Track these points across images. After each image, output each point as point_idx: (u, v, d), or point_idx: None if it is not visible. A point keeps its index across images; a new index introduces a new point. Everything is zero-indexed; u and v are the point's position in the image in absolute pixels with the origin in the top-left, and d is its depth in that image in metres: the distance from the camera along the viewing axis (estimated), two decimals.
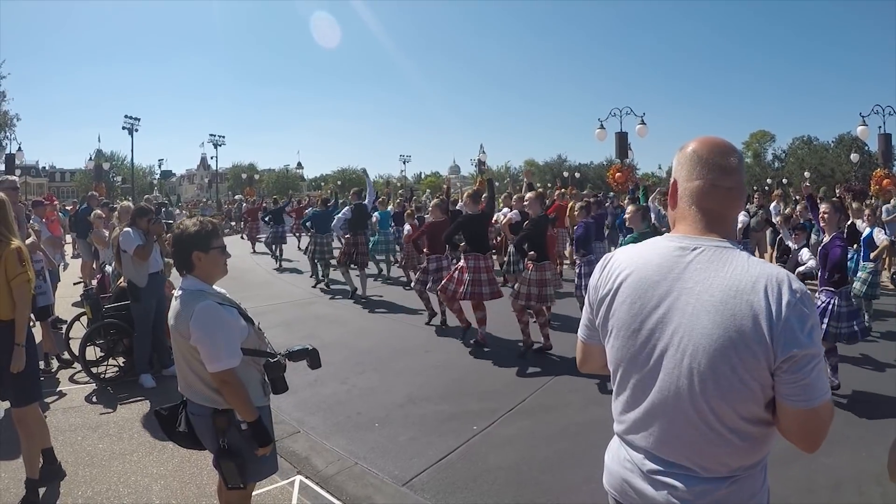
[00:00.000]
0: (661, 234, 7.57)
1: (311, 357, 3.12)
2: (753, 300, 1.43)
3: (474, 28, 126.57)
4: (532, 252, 7.29)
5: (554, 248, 10.29)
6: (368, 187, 12.08)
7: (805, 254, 7.24)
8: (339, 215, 11.47)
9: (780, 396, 1.46)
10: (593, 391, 5.93)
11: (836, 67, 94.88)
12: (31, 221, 8.02)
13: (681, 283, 1.54)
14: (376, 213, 13.57)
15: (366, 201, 11.70)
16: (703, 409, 1.48)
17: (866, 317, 8.08)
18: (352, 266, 11.37)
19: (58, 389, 6.20)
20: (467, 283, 7.69)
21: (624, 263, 1.68)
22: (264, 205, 25.25)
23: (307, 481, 4.32)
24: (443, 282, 8.02)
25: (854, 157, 39.56)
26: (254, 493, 3.39)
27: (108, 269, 7.78)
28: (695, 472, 1.53)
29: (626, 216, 7.25)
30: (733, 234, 1.63)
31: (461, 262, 7.92)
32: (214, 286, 2.96)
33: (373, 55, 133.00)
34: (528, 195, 7.99)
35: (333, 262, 12.20)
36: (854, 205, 10.21)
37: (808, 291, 1.47)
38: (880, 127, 23.92)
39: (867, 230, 8.86)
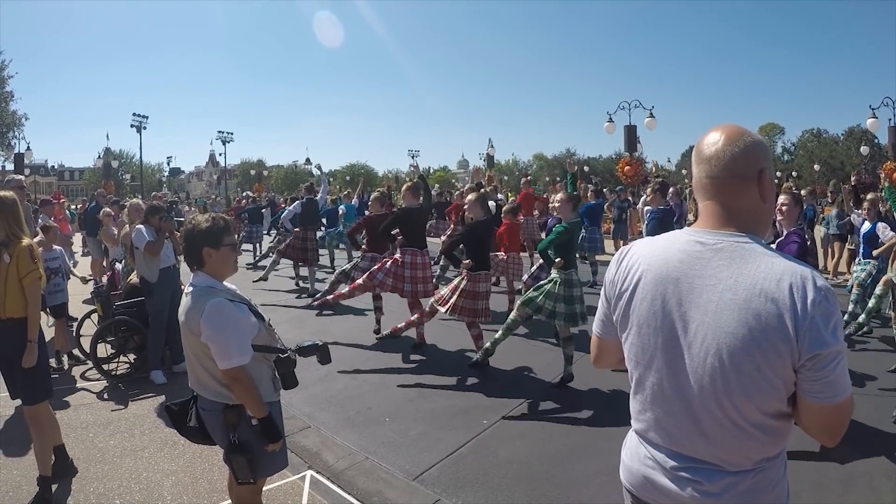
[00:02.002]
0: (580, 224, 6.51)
1: (321, 352, 3.13)
2: (778, 298, 1.40)
3: (482, 22, 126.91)
4: (468, 260, 6.65)
5: (518, 238, 9.74)
6: (322, 184, 12.11)
7: None
8: (290, 208, 11.36)
9: (803, 393, 1.44)
10: (604, 385, 5.92)
11: (845, 60, 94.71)
12: (39, 220, 8.06)
13: (702, 279, 1.51)
14: (342, 206, 13.45)
15: (318, 196, 11.59)
16: (727, 406, 1.47)
17: (863, 317, 7.55)
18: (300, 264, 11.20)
19: (70, 387, 6.24)
20: (406, 279, 7.28)
21: (642, 258, 1.65)
22: (244, 203, 21.94)
23: (318, 476, 4.33)
24: (372, 269, 7.47)
25: (864, 149, 39.25)
26: (265, 488, 3.40)
27: (118, 266, 7.82)
28: (719, 466, 1.52)
29: (555, 205, 6.40)
30: (755, 227, 1.56)
31: (396, 256, 7.45)
32: (224, 282, 2.96)
33: (380, 51, 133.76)
34: (469, 197, 7.21)
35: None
36: (869, 196, 8.89)
37: (832, 288, 1.44)
38: (890, 119, 23.82)
39: (867, 225, 8.05)
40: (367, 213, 10.16)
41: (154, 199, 18.04)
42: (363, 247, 8.63)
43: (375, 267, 7.47)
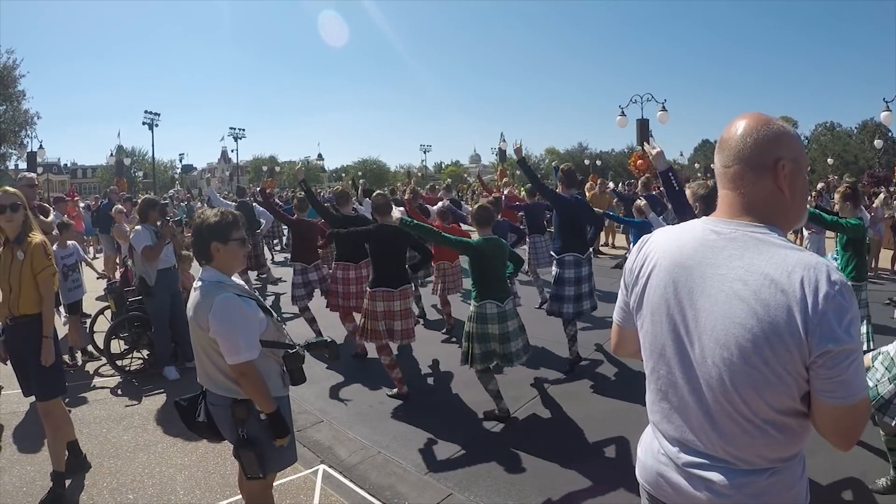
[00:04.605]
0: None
1: (330, 349, 3.13)
2: (788, 290, 1.35)
3: (494, 16, 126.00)
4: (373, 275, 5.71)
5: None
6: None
7: None
8: None
9: (815, 392, 1.38)
10: (618, 379, 5.88)
11: (859, 53, 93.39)
12: (53, 217, 8.11)
13: (714, 268, 1.47)
14: None
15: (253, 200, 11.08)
16: (736, 400, 1.42)
17: None
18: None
19: (84, 383, 6.29)
20: (340, 294, 6.65)
21: (660, 247, 1.63)
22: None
23: (330, 470, 4.34)
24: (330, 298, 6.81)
25: (878, 143, 38.91)
26: (278, 483, 3.41)
27: (130, 262, 7.86)
28: (732, 464, 1.47)
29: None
30: (775, 219, 1.50)
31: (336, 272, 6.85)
32: (233, 277, 2.96)
33: (391, 44, 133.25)
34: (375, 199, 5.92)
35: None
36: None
37: (849, 283, 1.39)
38: None
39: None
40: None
41: (176, 196, 18.07)
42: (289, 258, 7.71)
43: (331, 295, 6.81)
